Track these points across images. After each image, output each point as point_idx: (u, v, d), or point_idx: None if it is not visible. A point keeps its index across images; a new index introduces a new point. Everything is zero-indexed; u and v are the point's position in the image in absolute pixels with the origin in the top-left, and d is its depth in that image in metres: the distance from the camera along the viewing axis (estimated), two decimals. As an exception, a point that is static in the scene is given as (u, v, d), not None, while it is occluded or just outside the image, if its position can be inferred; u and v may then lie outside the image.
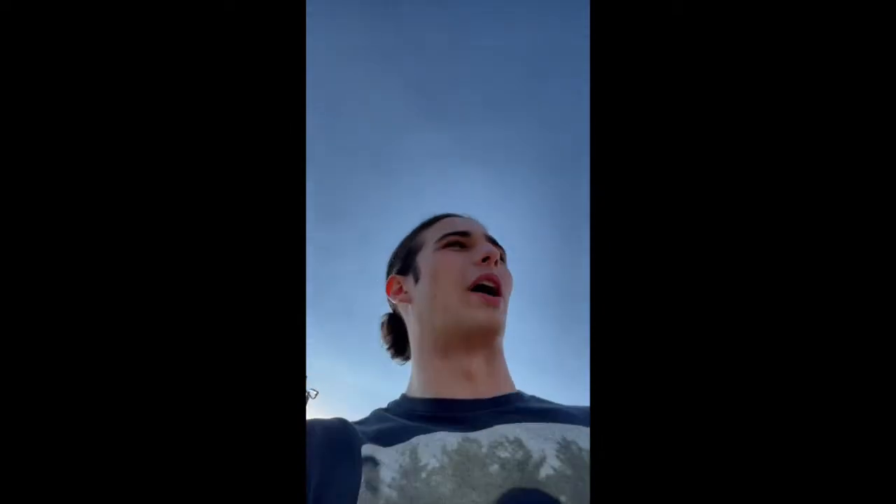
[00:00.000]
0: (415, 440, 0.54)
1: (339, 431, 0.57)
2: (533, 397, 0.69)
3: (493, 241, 0.74)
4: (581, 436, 0.58)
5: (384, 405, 0.69)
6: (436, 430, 0.56)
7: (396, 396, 0.71)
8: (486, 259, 0.68)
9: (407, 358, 0.77)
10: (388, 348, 0.79)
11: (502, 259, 0.74)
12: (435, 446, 0.53)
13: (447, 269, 0.69)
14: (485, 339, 0.67)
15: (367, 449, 0.53)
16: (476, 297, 0.66)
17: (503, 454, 0.53)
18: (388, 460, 0.51)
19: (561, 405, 0.68)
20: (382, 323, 0.81)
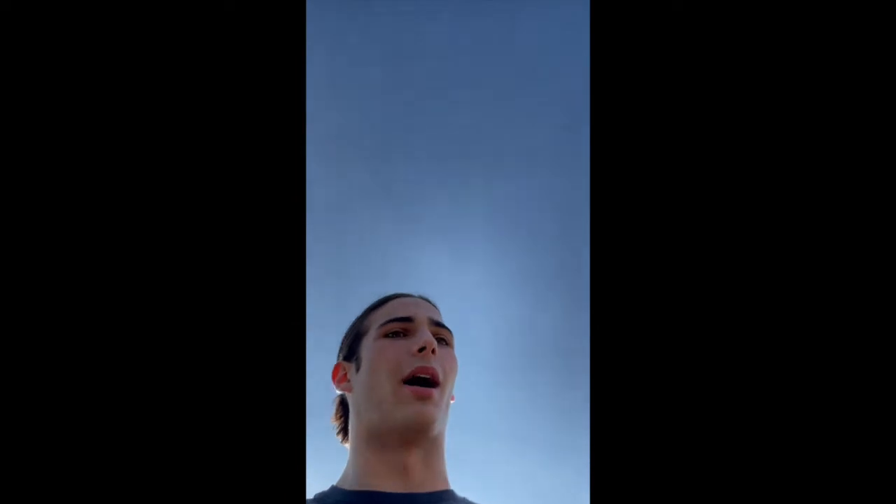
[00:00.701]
0: None
1: None
2: (464, 499, 0.69)
3: (439, 324, 0.73)
4: None
5: (311, 496, 0.68)
6: None
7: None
8: (422, 349, 0.67)
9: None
10: (338, 432, 0.78)
11: (447, 343, 0.73)
12: None
13: (383, 359, 0.69)
14: (417, 434, 0.66)
15: None
16: (408, 392, 0.65)
17: None
18: None
19: None
20: (335, 405, 0.81)
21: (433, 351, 0.67)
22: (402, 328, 0.71)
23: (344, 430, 0.77)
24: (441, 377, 0.68)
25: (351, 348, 0.76)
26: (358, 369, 0.73)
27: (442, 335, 0.73)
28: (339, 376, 0.77)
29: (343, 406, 0.78)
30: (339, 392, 0.78)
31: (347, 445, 0.75)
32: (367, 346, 0.72)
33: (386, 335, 0.71)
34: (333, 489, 0.70)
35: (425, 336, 0.68)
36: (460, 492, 0.71)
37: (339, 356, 0.79)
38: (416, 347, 0.67)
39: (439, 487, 0.68)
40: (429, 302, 0.78)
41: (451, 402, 0.73)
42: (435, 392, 0.66)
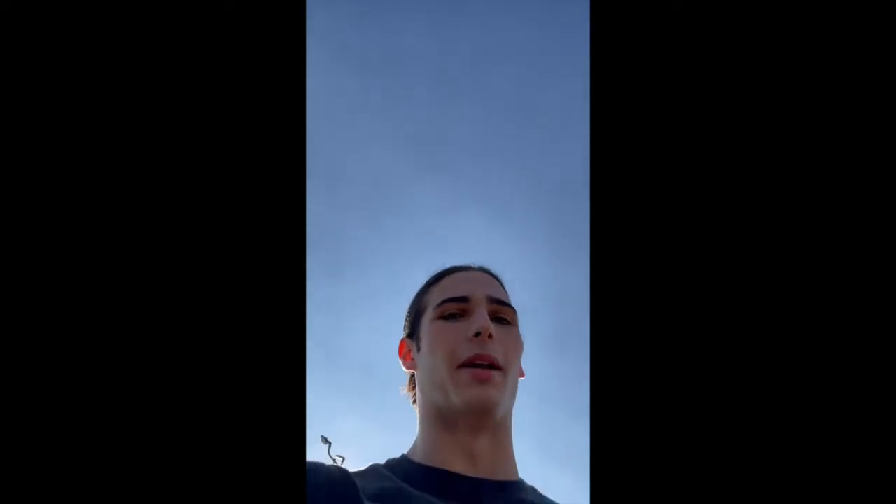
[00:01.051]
0: None
1: (342, 483, 0.55)
2: (533, 489, 0.67)
3: (498, 301, 0.69)
4: None
5: (382, 461, 0.68)
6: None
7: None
8: (478, 334, 0.63)
9: None
10: (413, 402, 0.76)
11: (508, 321, 0.69)
12: None
13: (439, 344, 0.66)
14: (481, 418, 0.63)
15: None
16: (466, 375, 0.62)
17: None
18: None
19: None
20: (407, 376, 0.78)
21: (490, 336, 0.63)
22: (458, 309, 0.67)
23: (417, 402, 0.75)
24: (502, 361, 0.63)
25: (412, 326, 0.74)
26: (419, 349, 0.70)
27: (502, 313, 0.68)
28: (403, 353, 0.75)
29: (414, 378, 0.76)
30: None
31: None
32: (425, 327, 0.69)
33: (442, 316, 0.67)
34: (404, 458, 0.68)
35: (481, 320, 0.64)
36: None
37: (404, 330, 0.77)
38: (471, 332, 0.63)
39: (510, 477, 0.65)
40: (489, 274, 0.74)
41: (521, 378, 0.70)
42: (495, 374, 0.62)
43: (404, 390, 0.77)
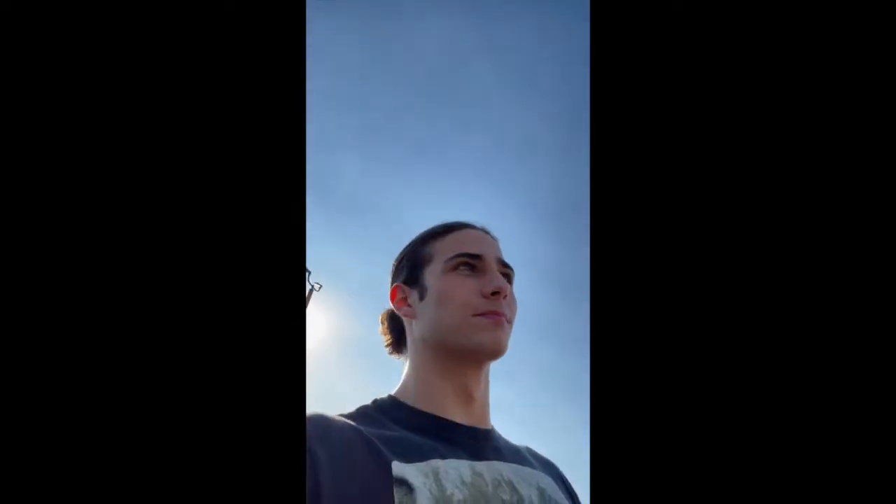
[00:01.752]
0: (434, 463, 0.56)
1: (361, 441, 0.56)
2: (497, 432, 0.72)
3: (505, 263, 0.72)
4: (546, 484, 0.65)
5: (368, 402, 0.69)
6: (446, 455, 0.59)
7: None
8: (496, 293, 0.67)
9: (402, 355, 0.76)
10: (387, 345, 0.78)
11: (509, 281, 0.72)
12: (454, 475, 0.56)
13: (454, 296, 0.68)
14: (489, 359, 0.68)
15: (396, 468, 0.54)
16: (483, 320, 0.66)
17: (504, 496, 0.58)
18: (419, 484, 0.53)
19: (519, 446, 0.74)
20: (383, 319, 0.80)
21: (505, 296, 0.67)
22: (471, 263, 0.70)
23: (394, 345, 0.78)
24: (509, 317, 0.68)
25: (412, 274, 0.74)
26: (422, 298, 0.71)
27: (507, 274, 0.72)
28: (398, 299, 0.75)
29: (392, 321, 0.78)
30: (390, 308, 0.77)
31: (399, 359, 0.76)
32: (434, 278, 0.71)
33: (454, 269, 0.70)
34: (394, 401, 0.69)
35: (498, 280, 0.67)
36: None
37: (394, 278, 0.77)
38: (489, 290, 0.66)
39: (490, 425, 0.70)
40: (491, 237, 0.77)
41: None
42: (506, 322, 0.67)
43: (381, 333, 0.79)
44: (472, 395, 0.67)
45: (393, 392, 0.70)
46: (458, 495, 0.54)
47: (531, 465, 0.68)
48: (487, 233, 0.77)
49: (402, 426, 0.62)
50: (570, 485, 0.75)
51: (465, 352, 0.67)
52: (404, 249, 0.79)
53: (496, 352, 0.67)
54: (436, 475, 0.55)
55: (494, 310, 0.66)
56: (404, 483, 0.53)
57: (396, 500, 0.51)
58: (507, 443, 0.72)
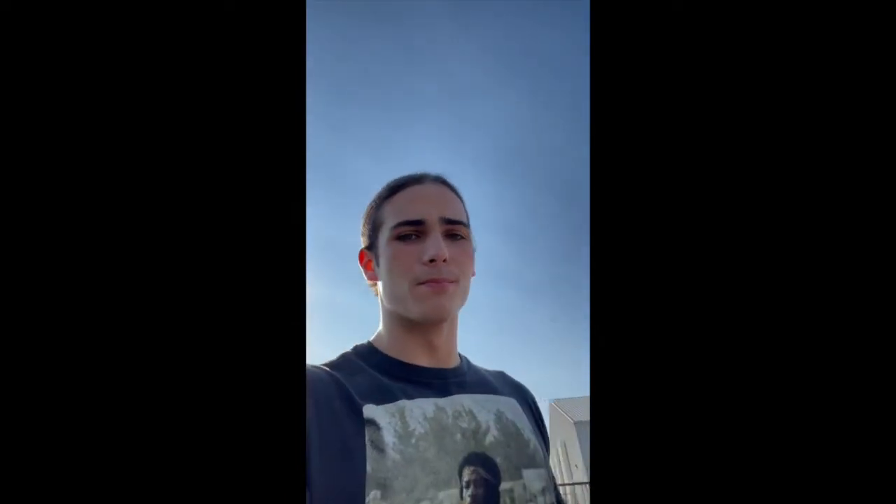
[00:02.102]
0: (400, 404, 0.65)
1: (338, 390, 0.64)
2: (467, 360, 0.81)
3: (451, 221, 0.72)
4: (508, 407, 0.74)
5: (352, 348, 0.76)
6: (413, 395, 0.67)
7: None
8: (433, 260, 0.68)
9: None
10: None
11: (462, 236, 0.73)
12: (418, 412, 0.65)
13: (396, 266, 0.71)
14: (437, 323, 0.71)
15: (367, 411, 0.63)
16: (424, 289, 0.68)
17: (462, 424, 0.67)
18: (385, 423, 0.62)
19: (487, 371, 0.83)
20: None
21: (444, 260, 0.68)
22: (413, 231, 0.71)
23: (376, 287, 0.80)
24: (455, 276, 0.70)
25: (370, 239, 0.77)
26: (378, 264, 0.75)
27: (456, 231, 0.72)
28: (364, 263, 0.79)
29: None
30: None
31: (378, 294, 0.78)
32: (383, 245, 0.73)
33: (399, 237, 0.71)
34: (372, 348, 0.75)
35: (435, 248, 0.68)
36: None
37: (362, 239, 0.80)
38: (426, 258, 0.68)
39: (457, 363, 0.77)
40: (444, 185, 0.77)
41: (472, 277, 0.76)
42: (450, 286, 0.69)
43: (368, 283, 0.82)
44: (435, 345, 0.73)
45: (371, 338, 0.77)
46: (419, 430, 0.63)
47: (496, 392, 0.77)
48: (441, 182, 0.77)
49: (377, 370, 0.70)
50: (537, 407, 0.84)
51: (412, 319, 0.70)
52: (367, 208, 0.80)
53: (441, 318, 0.70)
54: (401, 414, 0.64)
55: (434, 277, 0.68)
56: (373, 423, 0.62)
57: (367, 438, 0.60)
58: (476, 373, 0.79)
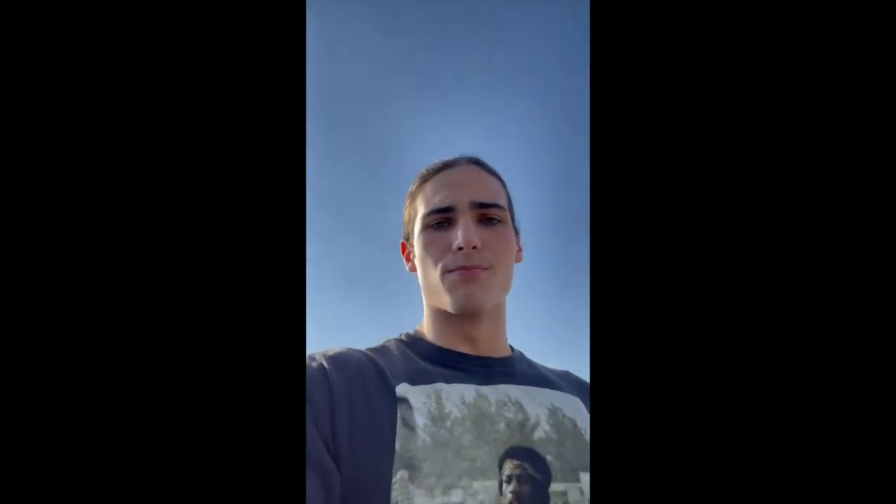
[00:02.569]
0: (438, 386, 0.62)
1: (373, 369, 0.62)
2: (521, 354, 0.76)
3: (483, 205, 0.68)
4: (566, 404, 0.68)
5: (397, 335, 0.74)
6: (453, 381, 0.63)
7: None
8: (461, 248, 0.65)
9: None
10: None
11: (498, 219, 0.69)
12: (456, 396, 0.61)
13: (428, 255, 0.69)
14: (473, 313, 0.67)
15: (400, 389, 0.60)
16: (454, 277, 0.66)
17: (507, 414, 0.62)
18: (419, 404, 0.59)
19: (548, 369, 0.77)
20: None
21: (474, 247, 0.65)
22: (443, 219, 0.68)
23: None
24: (490, 262, 0.66)
25: (408, 230, 0.76)
26: (415, 255, 0.73)
27: (490, 215, 0.69)
28: (406, 255, 0.78)
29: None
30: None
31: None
32: (416, 236, 0.71)
33: (429, 226, 0.69)
34: (416, 334, 0.73)
35: (465, 235, 0.65)
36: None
37: (403, 230, 0.78)
38: (455, 246, 0.65)
39: (507, 352, 0.73)
40: (478, 166, 0.73)
41: (518, 262, 0.74)
42: (482, 274, 0.65)
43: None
44: (473, 337, 0.69)
45: (417, 327, 0.75)
46: (455, 413, 0.59)
47: (556, 387, 0.70)
48: (475, 163, 0.74)
49: (420, 357, 0.67)
50: None
51: (447, 309, 0.67)
52: (407, 197, 0.78)
53: (475, 308, 0.66)
54: (437, 396, 0.60)
55: (464, 265, 0.65)
56: (405, 401, 0.58)
57: (399, 415, 0.57)
58: (532, 367, 0.74)
